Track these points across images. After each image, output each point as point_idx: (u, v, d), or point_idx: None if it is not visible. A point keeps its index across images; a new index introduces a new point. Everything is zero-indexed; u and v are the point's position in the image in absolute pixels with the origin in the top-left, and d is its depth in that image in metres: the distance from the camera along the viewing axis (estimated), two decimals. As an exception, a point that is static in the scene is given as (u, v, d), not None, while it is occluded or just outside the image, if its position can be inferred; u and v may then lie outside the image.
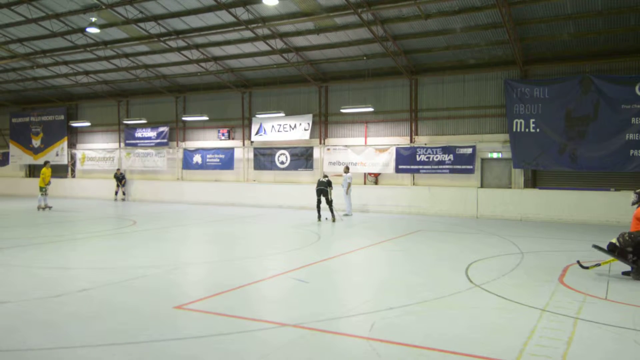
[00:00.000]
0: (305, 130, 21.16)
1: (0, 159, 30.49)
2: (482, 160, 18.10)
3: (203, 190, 23.33)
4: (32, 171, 29.90)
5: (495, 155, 17.86)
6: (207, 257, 10.07)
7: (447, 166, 18.29)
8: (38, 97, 28.56)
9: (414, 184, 19.27)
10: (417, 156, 18.79)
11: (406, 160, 19.00)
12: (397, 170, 19.18)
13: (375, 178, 20.12)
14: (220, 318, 5.56)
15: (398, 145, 19.28)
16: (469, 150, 17.90)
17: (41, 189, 18.90)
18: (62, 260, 9.24)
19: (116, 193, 25.12)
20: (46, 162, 19.94)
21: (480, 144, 17.97)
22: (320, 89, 21.16)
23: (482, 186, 18.05)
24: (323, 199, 15.79)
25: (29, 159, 28.97)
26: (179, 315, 5.68)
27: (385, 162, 19.40)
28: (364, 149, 19.90)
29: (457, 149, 18.10)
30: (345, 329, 5.29)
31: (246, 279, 7.63)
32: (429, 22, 15.91)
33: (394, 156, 19.20)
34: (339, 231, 13.87)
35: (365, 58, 18.94)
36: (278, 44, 18.61)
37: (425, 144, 18.88)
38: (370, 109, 19.53)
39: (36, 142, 28.64)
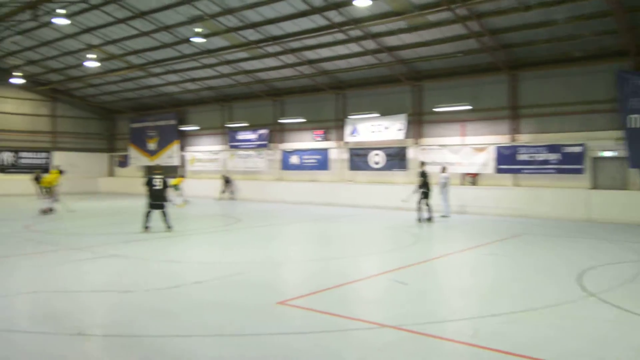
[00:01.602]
0: (399, 130, 21.00)
1: (122, 160, 33.76)
2: (593, 159, 16.76)
3: (300, 190, 24.00)
4: (149, 172, 32.68)
5: (608, 154, 16.46)
6: (307, 255, 10.41)
7: (552, 166, 17.19)
8: (152, 104, 31.17)
9: (515, 185, 18.35)
10: (519, 155, 17.86)
11: (507, 160, 18.15)
12: (498, 171, 18.38)
13: (473, 178, 19.43)
14: (320, 316, 5.75)
15: (497, 144, 18.47)
16: (578, 149, 16.67)
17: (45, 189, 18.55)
18: (176, 254, 10.05)
19: (223, 192, 26.38)
20: (56, 168, 20.10)
21: (590, 142, 16.65)
22: (413, 88, 20.88)
23: (593, 187, 16.72)
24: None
25: (145, 161, 31.74)
26: (282, 311, 5.98)
27: (483, 161, 18.68)
28: (461, 149, 19.31)
29: (563, 148, 16.93)
30: (446, 333, 5.24)
31: (344, 278, 7.80)
32: (529, 14, 15.06)
33: (493, 155, 18.43)
34: (437, 233, 13.63)
35: (460, 55, 18.37)
36: (370, 44, 18.66)
37: (528, 143, 17.89)
38: (467, 107, 18.91)
39: (152, 145, 31.30)
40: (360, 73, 21.71)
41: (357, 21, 17.10)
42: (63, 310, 6.00)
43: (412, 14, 15.91)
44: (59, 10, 18.39)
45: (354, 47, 19.31)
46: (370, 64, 20.50)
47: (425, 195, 15.32)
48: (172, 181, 20.45)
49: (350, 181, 23.02)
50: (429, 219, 15.40)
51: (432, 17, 16.28)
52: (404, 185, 20.53)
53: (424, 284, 7.57)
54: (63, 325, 5.35)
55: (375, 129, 21.75)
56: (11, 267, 8.63)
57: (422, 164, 16.55)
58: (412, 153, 20.88)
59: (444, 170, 17.57)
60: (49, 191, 18.24)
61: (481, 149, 18.77)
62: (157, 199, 12.88)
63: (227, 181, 26.24)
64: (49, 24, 20.78)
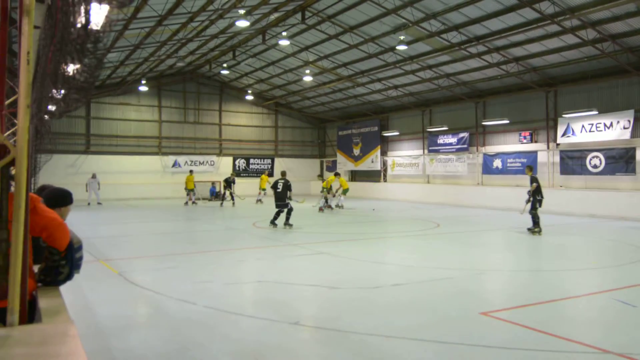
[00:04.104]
0: (624, 128, 18.25)
1: (330, 165, 36.61)
2: None
3: (503, 196, 22.67)
4: (354, 176, 34.76)
5: None
6: (513, 264, 9.87)
7: None
8: (357, 112, 33.07)
9: None
10: None
11: None
12: None
13: None
14: (528, 332, 5.42)
15: None
16: None
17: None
18: (377, 256, 10.55)
19: (223, 196, 24.98)
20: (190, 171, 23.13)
21: None
22: (646, 79, 17.93)
23: None
24: None
25: (351, 166, 33.87)
26: (486, 322, 5.80)
27: None
28: None
29: None
30: (684, 369, 4.48)
31: (557, 293, 7.20)
32: None
33: None
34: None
35: None
36: (590, 34, 16.66)
37: None
38: None
39: (356, 151, 33.25)
40: (575, 67, 19.56)
41: (573, 10, 15.47)
42: (282, 300, 6.88)
43: (645, -6, 13.73)
44: (283, 33, 20.96)
45: (569, 39, 17.50)
46: (589, 55, 18.33)
47: (539, 203, 13.31)
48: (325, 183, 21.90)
49: (561, 186, 20.86)
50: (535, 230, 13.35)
51: (673, -5, 13.82)
52: (629, 193, 17.82)
53: (658, 309, 6.51)
54: (283, 314, 6.15)
55: (594, 128, 19.31)
56: (240, 259, 10.19)
57: (530, 168, 14.20)
58: (642, 155, 17.96)
59: None
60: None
61: None
62: (279, 200, 14.50)
63: (228, 183, 24.69)
64: (275, 45, 23.79)
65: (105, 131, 29.81)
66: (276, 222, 14.72)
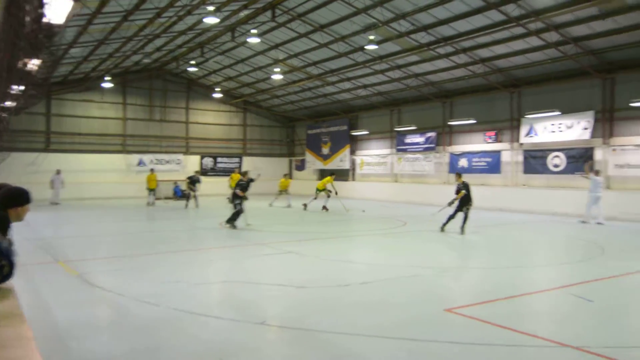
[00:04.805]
0: (584, 129, 18.87)
1: (299, 164, 36.56)
2: None
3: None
4: (323, 175, 34.78)
5: None
6: (476, 262, 10.06)
7: None
8: (326, 111, 33.10)
9: None
10: None
11: None
12: None
13: (683, 183, 16.53)
14: (492, 328, 5.52)
15: None
16: None
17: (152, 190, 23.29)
18: (345, 254, 10.58)
19: (188, 195, 23.43)
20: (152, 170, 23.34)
21: None
22: (604, 81, 18.56)
23: None
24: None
25: (319, 165, 33.87)
26: (450, 319, 5.89)
27: (698, 164, 15.77)
28: (667, 149, 16.58)
29: None
30: (640, 361, 4.63)
31: (518, 290, 7.36)
32: None
33: None
34: (630, 245, 11.95)
35: (667, 40, 15.80)
36: (553, 36, 17.12)
37: None
38: (676, 100, 16.15)
39: (325, 150, 33.29)
40: (539, 68, 20.07)
41: (538, 13, 15.86)
42: (249, 300, 6.79)
43: (607, -2, 14.18)
44: (252, 31, 20.75)
45: (533, 41, 17.95)
46: (553, 57, 18.83)
47: (467, 210, 13.37)
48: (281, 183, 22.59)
49: (524, 185, 21.41)
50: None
51: (631, 0, 14.31)
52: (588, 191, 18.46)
53: (614, 303, 6.73)
54: (249, 314, 6.07)
55: (556, 129, 19.88)
56: (207, 259, 10.03)
57: (459, 175, 14.33)
58: (600, 154, 18.58)
59: (597, 173, 16.39)
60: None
61: (695, 149, 15.86)
62: (235, 199, 14.38)
63: (192, 182, 23.10)
64: (244, 43, 23.56)
65: (67, 128, 28.88)
66: (236, 223, 14.37)
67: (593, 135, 18.74)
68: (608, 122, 18.50)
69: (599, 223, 15.86)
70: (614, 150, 18.04)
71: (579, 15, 15.75)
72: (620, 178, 18.19)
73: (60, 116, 28.76)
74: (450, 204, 13.58)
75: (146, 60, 27.52)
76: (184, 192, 28.09)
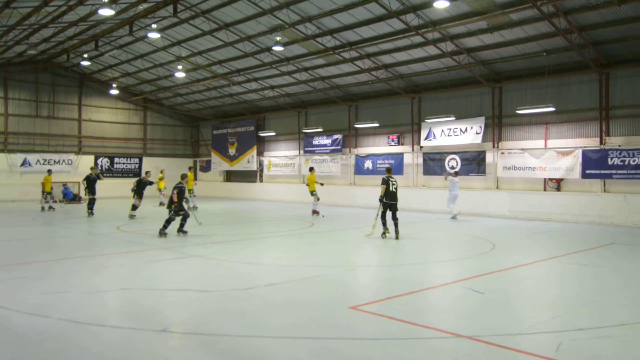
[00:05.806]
0: (477, 133, 20.34)
1: (204, 165, 35.51)
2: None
3: (373, 195, 23.74)
4: (229, 176, 34.14)
5: None
6: (379, 260, 10.38)
7: (649, 171, 15.87)
8: (233, 111, 32.52)
9: (604, 191, 17.13)
10: (609, 160, 16.66)
11: (595, 165, 17.00)
12: (584, 176, 17.27)
13: (558, 184, 18.40)
14: (393, 322, 5.71)
15: (584, 147, 17.36)
16: (680, 152, 15.27)
17: (47, 193, 21.73)
18: (252, 256, 10.40)
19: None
20: (49, 171, 22.48)
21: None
22: (493, 90, 20.17)
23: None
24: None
25: (226, 166, 33.15)
26: (355, 316, 5.99)
27: (569, 166, 17.62)
28: (544, 153, 18.35)
29: (662, 151, 15.58)
30: (526, 346, 5.00)
31: (418, 285, 7.70)
32: (624, 8, 14.05)
33: (579, 160, 17.33)
34: (517, 240, 13.05)
35: (544, 54, 17.50)
36: (449, 46, 18.27)
37: (620, 146, 16.65)
38: (551, 109, 17.92)
39: (232, 151, 32.64)
40: (437, 76, 21.31)
41: (435, 23, 16.83)
42: (149, 307, 6.43)
43: (494, 13, 15.38)
44: (152, 25, 19.76)
45: (431, 50, 19.01)
46: (448, 66, 20.07)
47: (383, 206, 13.06)
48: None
49: (424, 186, 22.61)
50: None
51: (516, 16, 15.66)
52: (481, 191, 19.94)
53: (502, 294, 7.28)
54: (149, 321, 5.73)
55: (452, 133, 21.23)
56: (102, 265, 9.36)
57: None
58: (490, 157, 20.14)
59: (455, 174, 18.38)
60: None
61: (566, 153, 17.72)
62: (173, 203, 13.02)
63: (90, 182, 18.61)
64: (143, 38, 22.39)
65: (-63, 124, 25.68)
66: (166, 231, 13.10)
67: (484, 140, 20.24)
68: (497, 127, 20.10)
69: (453, 218, 17.75)
70: (502, 153, 19.62)
71: (470, 27, 16.95)
72: (507, 179, 19.83)
73: None
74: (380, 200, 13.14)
75: (31, 52, 25.17)
76: (76, 195, 26.16)
